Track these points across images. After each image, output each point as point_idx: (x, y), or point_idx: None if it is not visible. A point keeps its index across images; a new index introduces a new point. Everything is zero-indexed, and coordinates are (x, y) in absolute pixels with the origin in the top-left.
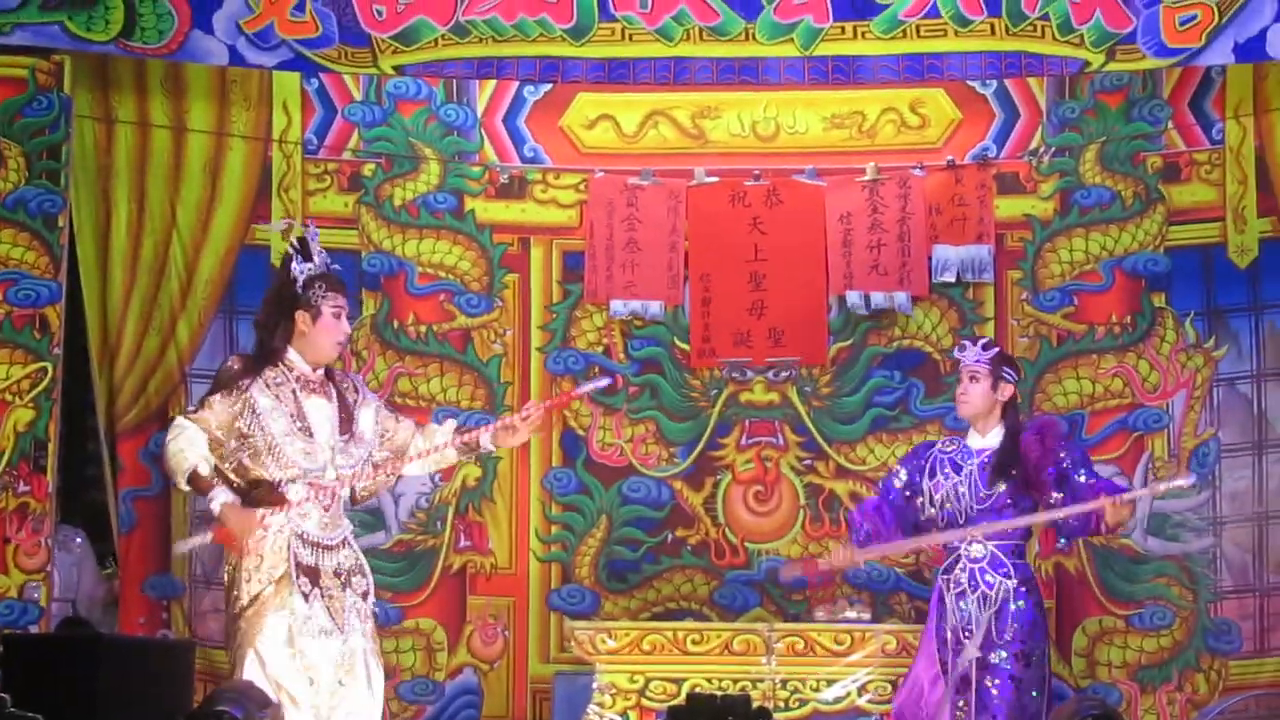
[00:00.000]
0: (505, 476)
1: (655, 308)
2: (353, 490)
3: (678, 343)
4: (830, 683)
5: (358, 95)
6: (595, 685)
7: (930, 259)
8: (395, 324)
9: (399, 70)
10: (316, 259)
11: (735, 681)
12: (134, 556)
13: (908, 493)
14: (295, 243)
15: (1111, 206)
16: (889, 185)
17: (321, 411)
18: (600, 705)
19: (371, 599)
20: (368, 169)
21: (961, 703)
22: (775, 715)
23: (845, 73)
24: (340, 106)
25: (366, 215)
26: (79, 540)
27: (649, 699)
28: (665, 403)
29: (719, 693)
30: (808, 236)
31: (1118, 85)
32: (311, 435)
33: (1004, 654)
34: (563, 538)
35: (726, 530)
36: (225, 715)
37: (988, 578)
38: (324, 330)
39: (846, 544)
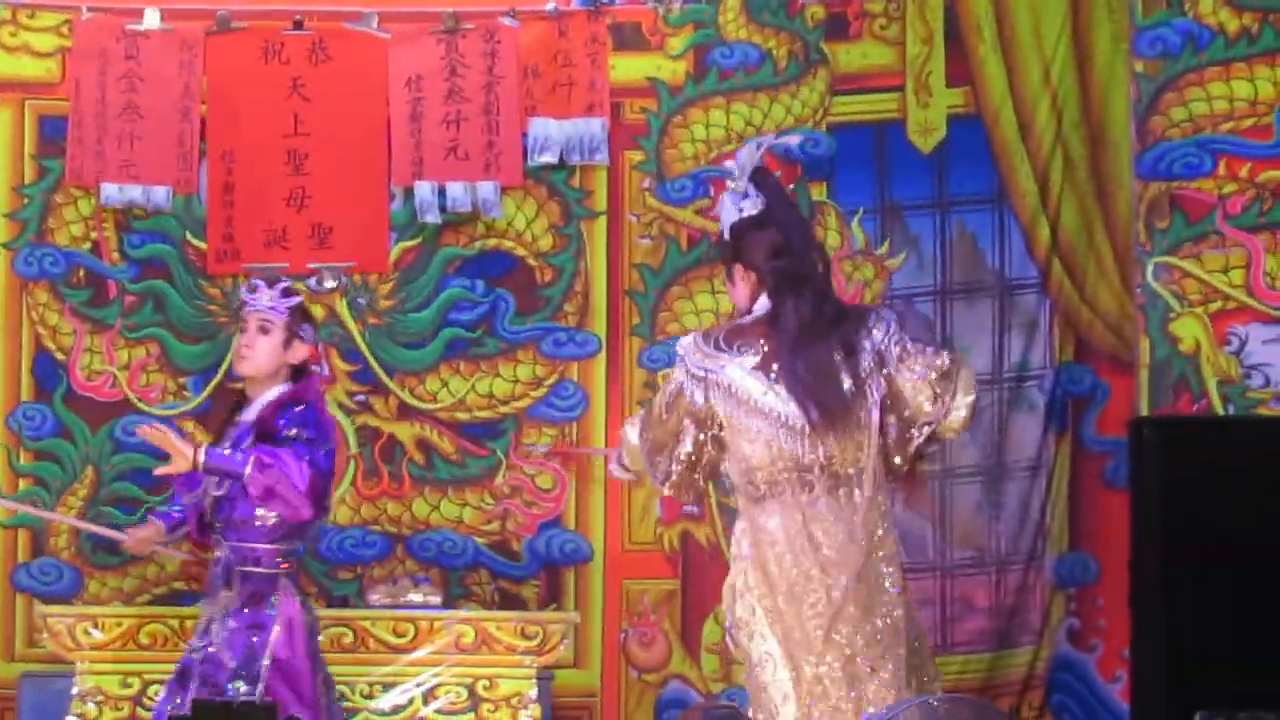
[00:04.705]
0: None
1: (160, 195)
2: None
3: (191, 240)
4: (387, 687)
5: None
6: (75, 690)
7: (525, 136)
8: None
9: None
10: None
11: None
12: None
13: None
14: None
15: (760, 70)
16: (472, 39)
17: None
18: (82, 716)
19: None
20: None
21: None
22: None
23: None
24: None
25: None
26: None
27: (148, 708)
28: (173, 318)
29: (237, 700)
30: (365, 105)
31: None
32: None
33: None
34: (34, 495)
35: None
36: None
37: None
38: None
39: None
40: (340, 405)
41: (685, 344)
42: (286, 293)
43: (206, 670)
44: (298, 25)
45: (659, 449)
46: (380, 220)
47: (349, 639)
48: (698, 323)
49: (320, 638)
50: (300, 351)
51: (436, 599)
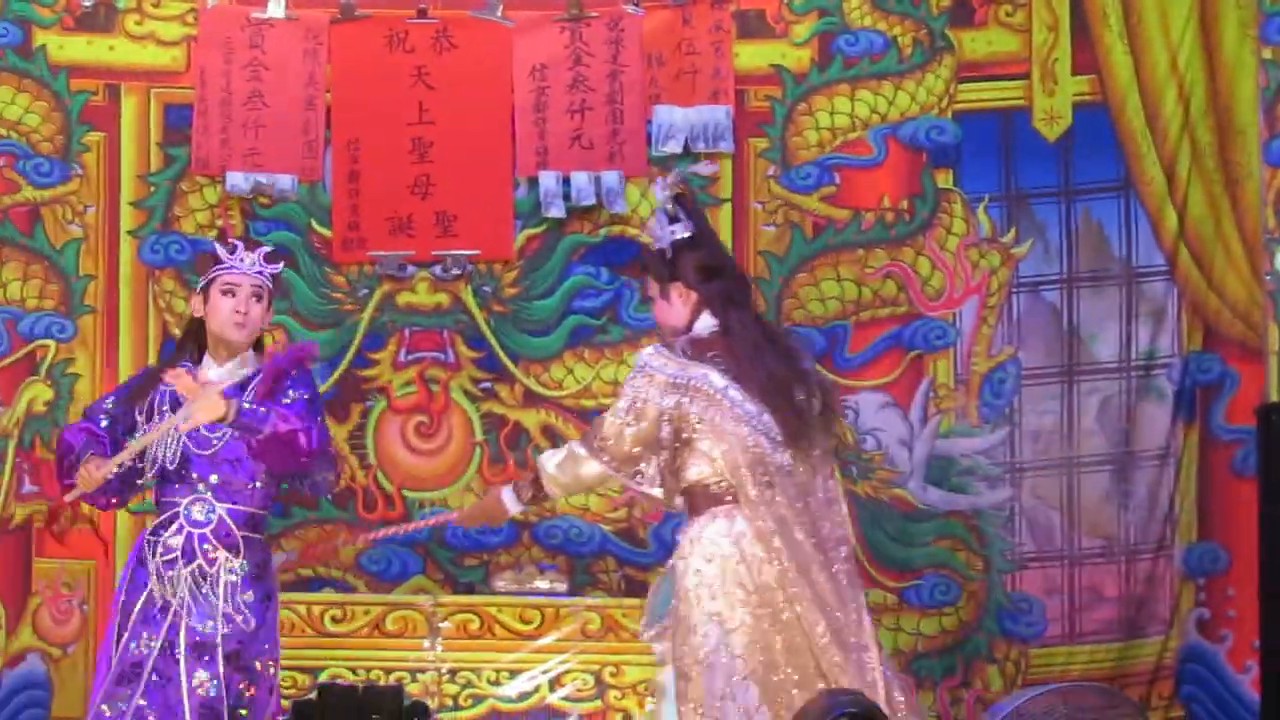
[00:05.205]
0: (86, 399)
1: (286, 182)
2: None
3: (316, 228)
4: (514, 674)
5: None
6: None
7: (650, 125)
8: None
9: None
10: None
11: (388, 671)
12: None
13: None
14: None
15: (885, 57)
16: (596, 27)
17: None
18: None
19: None
20: None
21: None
22: (441, 715)
23: None
24: None
25: None
26: None
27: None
28: (299, 305)
29: (362, 684)
30: (489, 93)
31: None
32: None
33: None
34: None
35: (379, 473)
36: None
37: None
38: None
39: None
40: (465, 392)
41: (650, 354)
42: (268, 258)
43: (234, 647)
44: (422, 14)
45: (628, 460)
46: (505, 208)
47: (475, 625)
48: (823, 309)
49: (447, 624)
50: (269, 318)
51: (562, 586)
